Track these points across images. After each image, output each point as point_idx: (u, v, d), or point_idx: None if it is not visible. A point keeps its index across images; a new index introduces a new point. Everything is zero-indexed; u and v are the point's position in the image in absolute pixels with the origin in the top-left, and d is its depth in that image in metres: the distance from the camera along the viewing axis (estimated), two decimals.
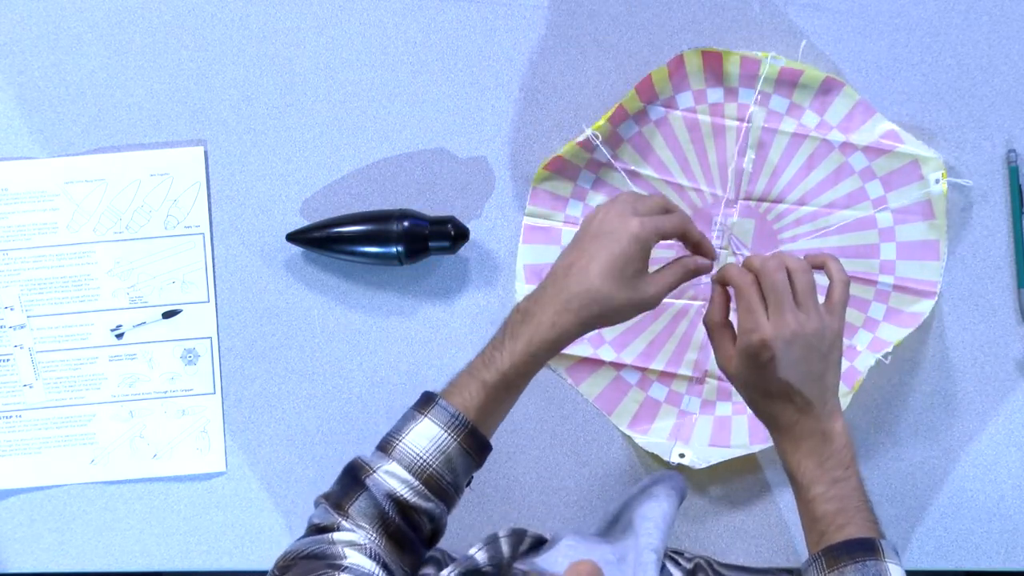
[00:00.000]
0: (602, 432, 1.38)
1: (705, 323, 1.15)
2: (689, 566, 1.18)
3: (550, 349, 1.12)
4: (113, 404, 1.39)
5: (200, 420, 1.39)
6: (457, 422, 1.09)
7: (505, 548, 1.19)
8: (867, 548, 1.06)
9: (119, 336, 1.39)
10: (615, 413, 1.37)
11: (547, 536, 1.22)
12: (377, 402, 1.38)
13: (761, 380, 1.10)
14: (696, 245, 1.17)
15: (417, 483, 1.07)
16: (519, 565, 1.12)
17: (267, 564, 1.39)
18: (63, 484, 1.39)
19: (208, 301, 1.39)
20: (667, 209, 1.15)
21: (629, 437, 1.37)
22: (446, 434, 1.09)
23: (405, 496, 1.07)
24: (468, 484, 1.13)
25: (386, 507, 1.07)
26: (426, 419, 1.10)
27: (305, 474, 1.39)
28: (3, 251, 1.38)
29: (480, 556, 1.14)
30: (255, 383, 1.39)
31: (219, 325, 1.39)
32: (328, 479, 1.33)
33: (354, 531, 1.06)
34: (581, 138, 1.34)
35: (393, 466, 1.08)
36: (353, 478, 1.09)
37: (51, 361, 1.38)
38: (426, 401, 1.11)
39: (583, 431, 1.38)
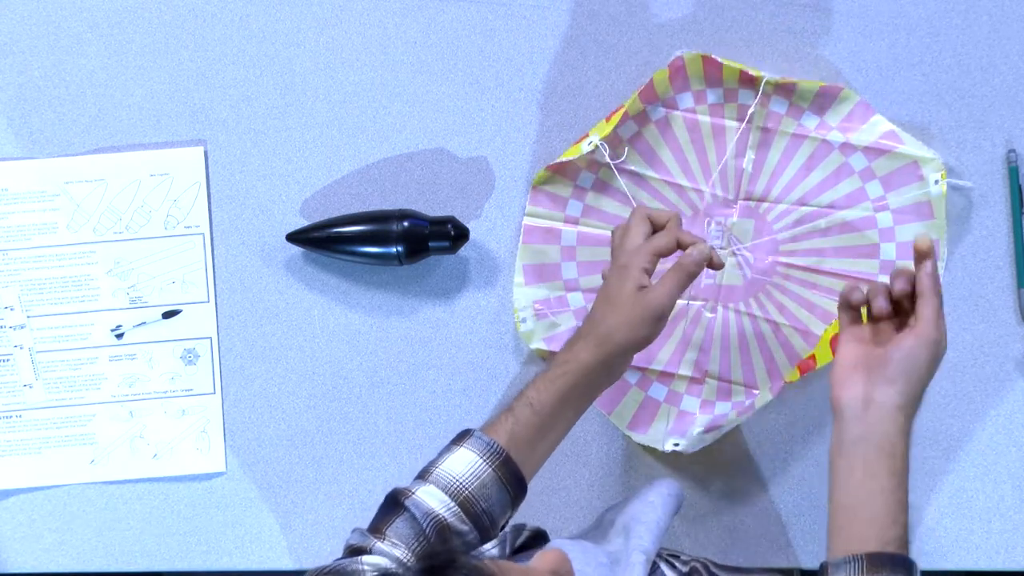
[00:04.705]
0: (602, 432, 1.38)
1: (875, 313, 1.13)
2: (685, 569, 1.18)
3: (573, 382, 1.16)
4: (113, 404, 1.39)
5: (200, 420, 1.39)
6: (492, 450, 1.13)
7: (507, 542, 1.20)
8: (908, 569, 1.04)
9: (119, 336, 1.39)
10: (615, 413, 1.37)
11: (545, 529, 1.23)
12: (377, 402, 1.38)
13: (924, 371, 1.10)
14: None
15: (453, 504, 1.10)
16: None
17: (266, 564, 1.40)
18: (63, 484, 1.39)
19: (208, 301, 1.39)
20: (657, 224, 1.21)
21: (629, 437, 1.37)
22: (482, 460, 1.13)
23: (443, 515, 1.10)
24: (503, 527, 1.15)
25: (425, 527, 1.09)
26: (462, 448, 1.14)
27: (305, 474, 1.39)
28: (3, 251, 1.38)
29: (494, 551, 1.15)
30: (255, 383, 1.39)
31: (219, 325, 1.39)
32: (328, 479, 1.34)
33: (385, 555, 1.07)
34: (588, 148, 1.33)
35: (430, 488, 1.11)
36: (393, 501, 1.12)
37: (51, 361, 1.38)
38: (463, 435, 1.16)
39: (583, 431, 1.38)
